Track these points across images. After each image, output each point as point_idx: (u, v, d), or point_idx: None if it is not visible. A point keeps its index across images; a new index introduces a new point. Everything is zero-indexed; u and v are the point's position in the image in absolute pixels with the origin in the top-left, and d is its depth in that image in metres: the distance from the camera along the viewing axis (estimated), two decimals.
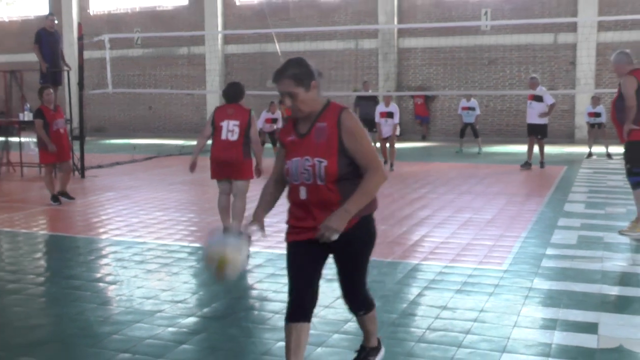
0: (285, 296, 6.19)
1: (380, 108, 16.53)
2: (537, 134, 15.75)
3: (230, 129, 8.60)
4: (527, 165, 15.81)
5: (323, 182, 3.73)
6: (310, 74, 3.81)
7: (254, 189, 7.32)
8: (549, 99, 15.80)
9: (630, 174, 8.38)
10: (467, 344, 4.95)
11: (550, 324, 5.34)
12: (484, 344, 4.93)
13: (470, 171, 15.26)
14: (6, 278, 7.25)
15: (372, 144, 4.02)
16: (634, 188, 8.38)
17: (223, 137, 8.63)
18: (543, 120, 15.75)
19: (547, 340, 5.00)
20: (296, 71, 3.77)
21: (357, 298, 4.23)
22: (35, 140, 16.32)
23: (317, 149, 3.76)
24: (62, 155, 11.79)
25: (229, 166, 8.67)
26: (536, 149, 15.77)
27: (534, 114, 15.71)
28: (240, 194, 8.63)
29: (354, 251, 4.02)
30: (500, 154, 18.80)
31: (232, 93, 8.87)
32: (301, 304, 3.97)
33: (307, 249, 3.93)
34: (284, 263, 7.29)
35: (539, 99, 15.75)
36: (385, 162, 16.30)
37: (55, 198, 11.62)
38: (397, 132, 16.50)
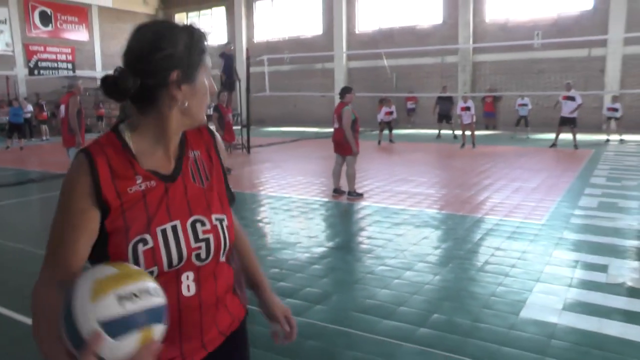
0: (389, 236, 6.37)
1: (461, 104, 16.28)
2: (569, 124, 15.19)
3: (335, 120, 8.74)
4: (553, 145, 15.52)
5: (224, 257, 1.51)
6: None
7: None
8: (578, 99, 15.23)
9: None
10: (512, 274, 4.94)
11: (573, 264, 5.22)
12: (524, 275, 4.91)
13: (522, 152, 14.72)
14: None
15: None
16: None
17: (334, 125, 8.81)
18: (574, 115, 15.19)
19: (570, 275, 4.90)
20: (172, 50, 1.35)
21: None
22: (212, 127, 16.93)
23: (210, 199, 1.47)
24: (231, 138, 12.24)
25: (338, 145, 8.82)
26: (570, 136, 15.23)
27: (567, 110, 15.21)
28: (349, 164, 8.75)
29: None
30: (546, 140, 17.95)
31: (339, 93, 8.92)
32: None
33: None
34: (386, 213, 7.50)
35: (571, 98, 15.18)
36: (463, 144, 16.08)
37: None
38: (474, 120, 16.21)
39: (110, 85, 1.32)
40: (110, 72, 1.35)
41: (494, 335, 3.69)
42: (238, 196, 7.64)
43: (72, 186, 1.33)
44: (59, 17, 29.72)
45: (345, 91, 8.81)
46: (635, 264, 5.23)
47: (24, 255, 5.98)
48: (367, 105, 25.61)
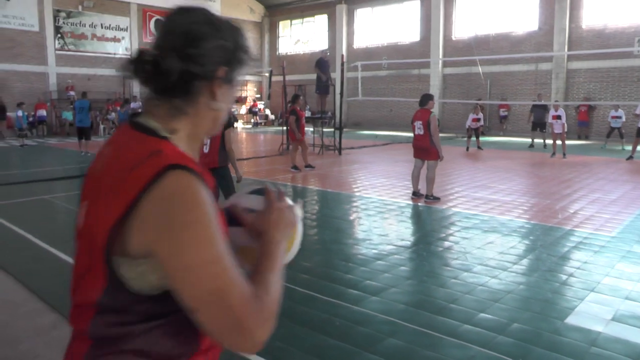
0: (456, 239, 6.44)
1: (552, 112, 15.80)
2: None
3: (419, 127, 8.81)
4: (630, 158, 14.66)
5: None
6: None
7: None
8: None
9: None
10: (568, 282, 4.91)
11: (635, 277, 5.05)
12: (580, 284, 4.85)
13: (610, 163, 14.03)
14: None
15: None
16: None
17: (416, 132, 8.88)
18: None
19: (629, 287, 4.78)
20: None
21: None
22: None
23: None
24: (302, 137, 12.44)
25: (422, 150, 8.89)
26: None
27: None
28: (430, 168, 8.84)
29: None
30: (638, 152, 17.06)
31: (421, 100, 8.99)
32: None
33: None
34: (458, 217, 7.55)
35: None
36: (554, 153, 15.55)
37: (295, 167, 12.29)
38: (565, 129, 15.68)
39: (146, 64, 1.09)
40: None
41: (534, 337, 3.75)
42: (323, 194, 8.05)
43: (202, 200, 1.04)
44: None
45: (428, 98, 8.90)
46: None
47: None
48: (459, 111, 25.26)
